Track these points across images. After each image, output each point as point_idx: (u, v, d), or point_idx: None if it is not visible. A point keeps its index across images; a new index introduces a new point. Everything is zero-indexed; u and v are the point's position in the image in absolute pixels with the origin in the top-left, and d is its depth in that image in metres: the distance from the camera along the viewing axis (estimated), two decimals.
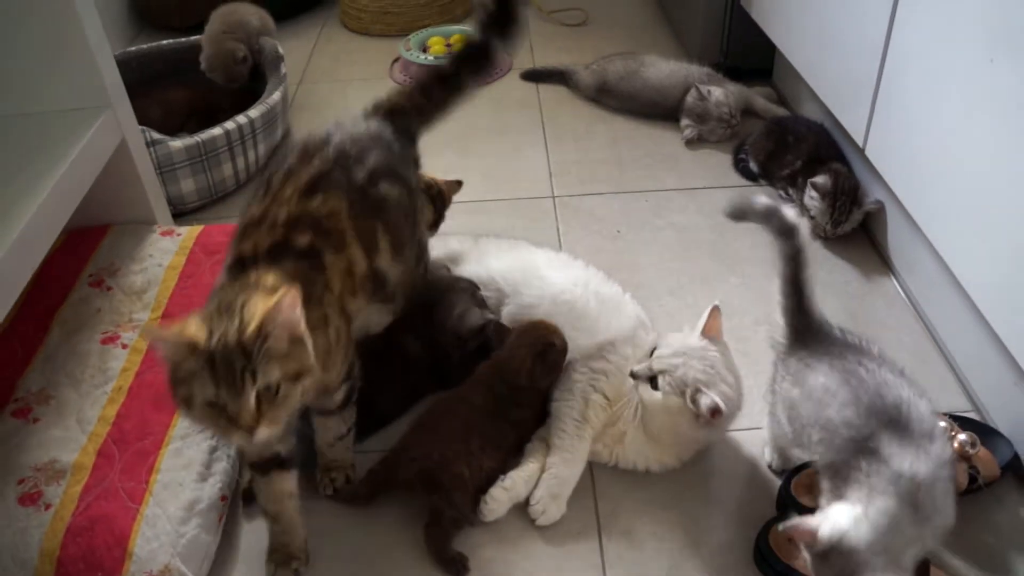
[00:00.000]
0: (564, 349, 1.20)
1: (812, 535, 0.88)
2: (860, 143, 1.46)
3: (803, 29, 1.69)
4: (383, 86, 2.17)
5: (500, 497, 1.12)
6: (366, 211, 1.04)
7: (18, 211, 1.13)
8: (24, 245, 1.11)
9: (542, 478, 1.13)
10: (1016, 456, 1.12)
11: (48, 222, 1.19)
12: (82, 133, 1.30)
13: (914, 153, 1.30)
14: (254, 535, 1.12)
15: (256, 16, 1.96)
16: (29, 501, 1.05)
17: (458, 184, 1.46)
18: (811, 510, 0.95)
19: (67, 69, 1.32)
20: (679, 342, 1.12)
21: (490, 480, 1.14)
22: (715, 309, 1.13)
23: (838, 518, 0.89)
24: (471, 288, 1.30)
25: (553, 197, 1.72)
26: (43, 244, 1.18)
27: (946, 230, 1.23)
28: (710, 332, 1.12)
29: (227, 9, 1.94)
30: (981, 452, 1.10)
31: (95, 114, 1.34)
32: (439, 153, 1.82)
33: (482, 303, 1.30)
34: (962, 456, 1.08)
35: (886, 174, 1.40)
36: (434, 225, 1.44)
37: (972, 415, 1.21)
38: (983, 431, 1.14)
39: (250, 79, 1.93)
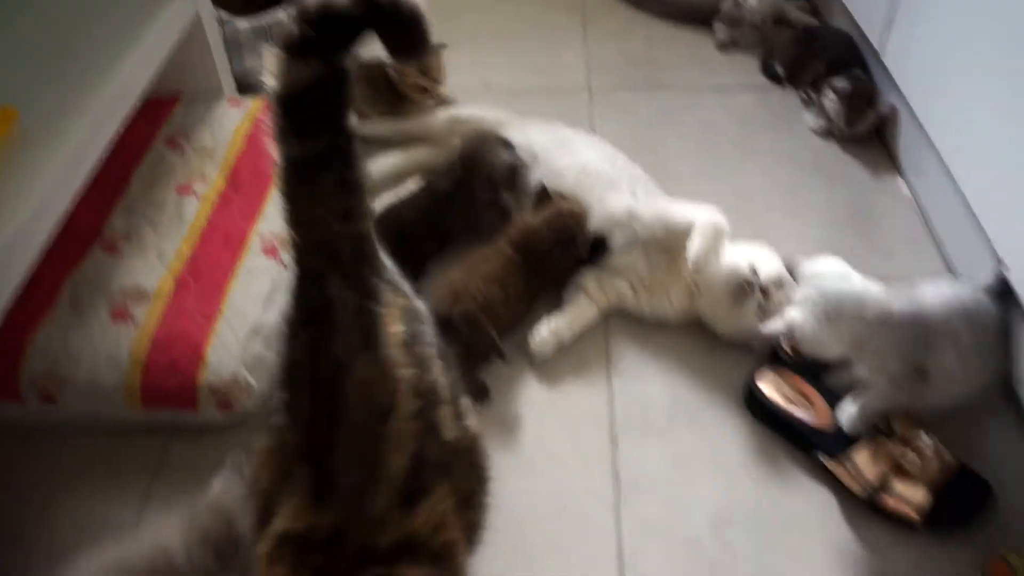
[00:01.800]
0: (583, 229, 1.33)
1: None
2: (879, 49, 1.55)
3: None
4: None
5: (548, 338, 1.27)
6: (469, 490, 0.79)
7: (105, 78, 1.25)
8: (110, 108, 1.24)
9: (696, 234, 1.25)
10: None
11: (130, 88, 1.31)
12: (163, 4, 1.43)
13: (929, 62, 1.39)
14: None
15: None
16: (119, 317, 1.23)
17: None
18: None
19: None
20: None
21: (517, 322, 1.31)
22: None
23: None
24: (504, 142, 1.44)
25: (589, 89, 1.83)
26: (125, 108, 1.30)
27: (952, 138, 1.33)
28: None
29: None
30: None
31: None
32: (480, 45, 1.94)
33: (514, 155, 1.43)
34: None
35: (900, 81, 1.50)
36: None
37: None
38: None
39: None
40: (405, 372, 0.73)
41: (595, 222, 1.35)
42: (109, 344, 1.19)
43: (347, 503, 0.68)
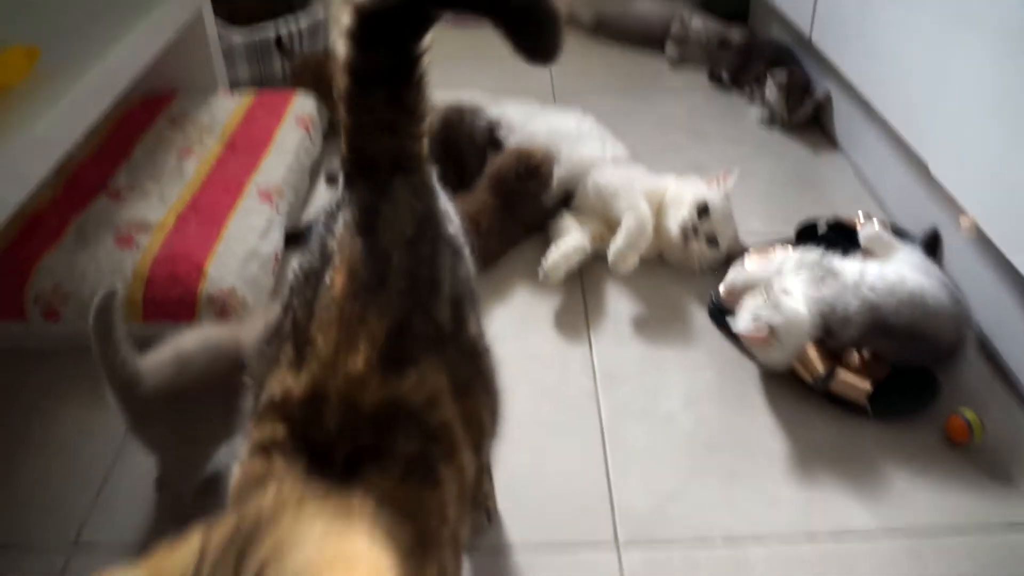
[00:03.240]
0: (547, 161, 1.46)
1: None
2: (807, 34, 1.75)
3: None
4: None
5: (559, 260, 1.36)
6: (466, 378, 0.72)
7: (119, 40, 1.34)
8: (121, 65, 1.33)
9: (620, 233, 1.34)
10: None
11: (137, 55, 1.40)
12: None
13: (854, 35, 1.58)
14: None
15: None
16: (123, 243, 1.31)
17: None
18: None
19: None
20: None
21: (493, 256, 1.42)
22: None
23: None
24: (477, 108, 1.59)
25: (554, 96, 2.01)
26: (133, 69, 1.37)
27: (893, 98, 1.47)
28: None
29: None
30: None
31: None
32: (457, 64, 2.11)
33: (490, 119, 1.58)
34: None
35: (832, 56, 1.68)
36: None
37: None
38: (899, 232, 1.41)
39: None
40: (396, 257, 0.70)
41: (568, 169, 1.48)
42: (114, 263, 1.27)
43: (322, 362, 0.65)
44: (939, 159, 1.28)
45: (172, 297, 1.24)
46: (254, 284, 1.29)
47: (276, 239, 1.39)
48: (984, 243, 1.23)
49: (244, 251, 1.31)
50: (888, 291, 1.14)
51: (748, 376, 1.23)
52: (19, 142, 1.05)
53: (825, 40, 1.69)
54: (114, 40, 1.36)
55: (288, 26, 1.98)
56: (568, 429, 1.15)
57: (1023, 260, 1.11)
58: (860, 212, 1.40)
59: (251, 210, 1.40)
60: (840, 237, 1.39)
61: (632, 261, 1.35)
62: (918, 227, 1.42)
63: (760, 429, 1.15)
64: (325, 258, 0.71)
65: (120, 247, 1.30)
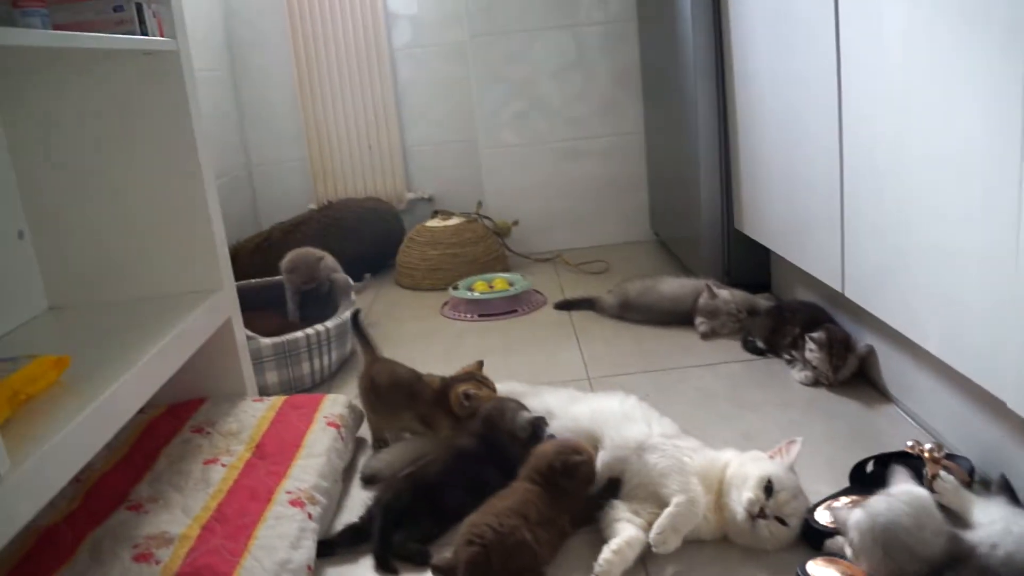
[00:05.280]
0: (588, 459, 1.37)
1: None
2: (840, 289, 1.73)
3: (778, 218, 2.06)
4: (435, 320, 2.52)
5: (612, 559, 1.23)
6: None
7: (144, 352, 1.34)
8: (145, 378, 1.32)
9: (667, 512, 1.24)
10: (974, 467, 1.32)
11: (163, 366, 1.41)
12: (197, 305, 1.59)
13: (890, 281, 1.55)
14: None
15: (317, 254, 2.36)
16: (142, 559, 1.20)
17: (479, 364, 1.71)
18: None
19: (193, 257, 1.67)
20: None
21: (549, 552, 1.29)
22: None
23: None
24: (519, 403, 1.52)
25: (588, 379, 1.96)
26: (157, 381, 1.38)
27: (941, 337, 1.39)
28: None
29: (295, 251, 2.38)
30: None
31: (209, 294, 1.65)
32: (487, 354, 2.10)
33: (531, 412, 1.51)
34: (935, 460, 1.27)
35: (870, 308, 1.63)
36: None
37: None
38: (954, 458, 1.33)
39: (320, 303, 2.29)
40: None
41: (614, 453, 1.40)
42: None
43: None
44: (1017, 393, 1.19)
45: None
46: None
47: (309, 547, 1.28)
48: None
49: (274, 563, 1.20)
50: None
51: None
52: (36, 454, 0.99)
53: (860, 292, 1.66)
54: (144, 348, 1.36)
55: (317, 331, 2.00)
56: None
57: None
58: (908, 442, 1.30)
59: (282, 517, 1.30)
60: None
61: (674, 543, 1.23)
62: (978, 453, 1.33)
63: None
64: None
65: (138, 563, 1.19)
